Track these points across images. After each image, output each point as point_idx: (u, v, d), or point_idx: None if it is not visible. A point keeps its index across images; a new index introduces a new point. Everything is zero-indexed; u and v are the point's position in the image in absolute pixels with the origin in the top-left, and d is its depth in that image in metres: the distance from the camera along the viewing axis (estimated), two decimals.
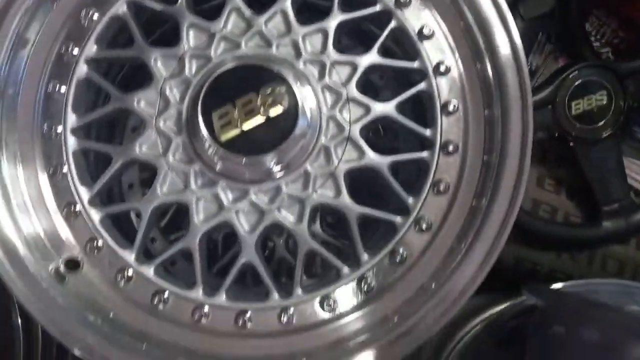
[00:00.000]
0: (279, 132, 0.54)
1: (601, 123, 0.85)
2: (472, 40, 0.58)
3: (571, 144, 0.85)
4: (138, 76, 0.62)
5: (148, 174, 0.76)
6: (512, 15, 0.88)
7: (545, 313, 0.64)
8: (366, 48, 0.59)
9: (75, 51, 0.59)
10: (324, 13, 0.59)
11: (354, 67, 0.58)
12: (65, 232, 0.57)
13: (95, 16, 0.60)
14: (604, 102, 0.85)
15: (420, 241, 0.57)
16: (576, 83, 0.84)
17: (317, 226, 0.78)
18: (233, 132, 0.54)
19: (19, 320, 0.72)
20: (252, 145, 0.54)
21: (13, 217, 0.55)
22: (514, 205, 0.55)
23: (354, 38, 0.77)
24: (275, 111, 0.54)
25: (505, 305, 0.82)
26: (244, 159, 0.54)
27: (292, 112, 0.54)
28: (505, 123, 0.56)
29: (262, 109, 0.54)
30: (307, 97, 0.56)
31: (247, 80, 0.55)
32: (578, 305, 0.56)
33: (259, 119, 0.54)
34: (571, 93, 0.85)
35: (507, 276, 0.85)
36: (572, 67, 0.85)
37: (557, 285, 0.77)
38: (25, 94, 0.58)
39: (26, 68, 0.58)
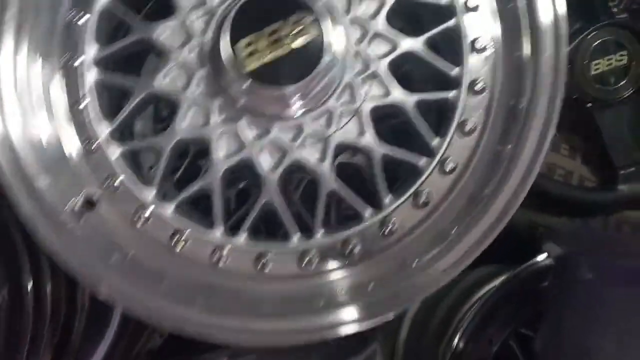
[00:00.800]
0: (304, 65, 0.53)
1: (620, 84, 0.83)
2: None
3: (589, 105, 0.84)
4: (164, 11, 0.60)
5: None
6: None
7: (568, 262, 0.63)
8: None
9: None
10: None
11: (382, 1, 0.56)
12: (83, 168, 0.55)
13: None
14: (624, 62, 0.84)
15: (444, 183, 0.56)
16: (596, 43, 0.83)
17: None
18: (258, 62, 0.52)
19: (30, 283, 0.71)
20: (276, 76, 0.52)
21: (33, 150, 0.53)
22: (539, 153, 0.54)
23: None
24: (301, 42, 0.52)
25: (520, 268, 0.81)
26: (268, 90, 0.53)
27: (318, 44, 0.53)
28: (537, 65, 0.55)
29: (288, 39, 0.52)
30: (333, 30, 0.54)
31: (273, 9, 0.53)
32: (604, 243, 0.55)
33: (284, 49, 0.52)
34: (590, 53, 0.83)
35: (522, 241, 0.85)
36: (592, 26, 0.84)
37: None
38: (46, 24, 0.56)
39: None
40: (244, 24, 0.52)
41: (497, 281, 0.83)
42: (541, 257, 0.79)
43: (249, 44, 0.52)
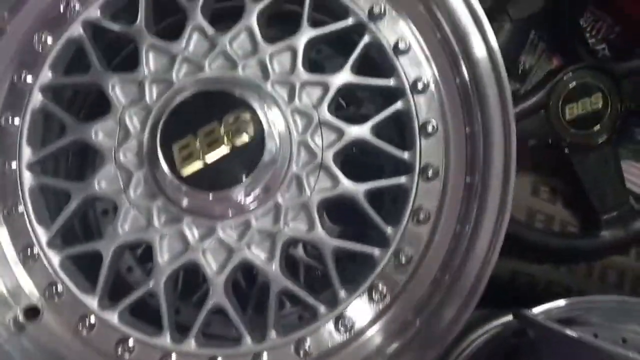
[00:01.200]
0: (245, 163, 0.51)
1: (597, 128, 0.80)
2: (450, 53, 0.54)
3: (566, 150, 0.81)
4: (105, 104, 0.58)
5: None
6: (501, 16, 0.84)
7: (536, 345, 0.60)
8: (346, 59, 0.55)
9: (29, 79, 0.56)
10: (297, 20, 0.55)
11: (326, 88, 0.54)
12: (23, 277, 0.53)
13: (50, 40, 0.56)
14: (600, 105, 0.81)
15: (401, 274, 0.53)
16: (570, 86, 0.80)
17: (299, 250, 0.74)
18: (196, 165, 0.50)
19: None
20: (217, 178, 0.50)
21: None
22: (499, 229, 0.52)
23: (334, 46, 0.73)
24: (241, 140, 0.50)
25: (506, 321, 0.78)
26: (208, 195, 0.51)
27: (259, 140, 0.51)
28: (487, 139, 0.53)
29: (226, 139, 0.50)
30: (275, 123, 0.52)
31: (209, 107, 0.51)
32: (568, 347, 0.52)
33: (223, 150, 0.50)
34: (565, 97, 0.80)
35: (503, 290, 0.82)
36: (564, 69, 0.81)
37: (557, 303, 0.73)
38: None
39: None
40: (179, 125, 0.51)
41: (482, 330, 0.81)
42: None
43: (184, 147, 0.50)
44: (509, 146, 0.52)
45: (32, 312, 0.52)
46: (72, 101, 0.59)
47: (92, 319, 0.52)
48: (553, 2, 0.87)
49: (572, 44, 0.88)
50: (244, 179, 0.50)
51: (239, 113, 0.50)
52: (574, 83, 0.80)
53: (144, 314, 0.55)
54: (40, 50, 0.56)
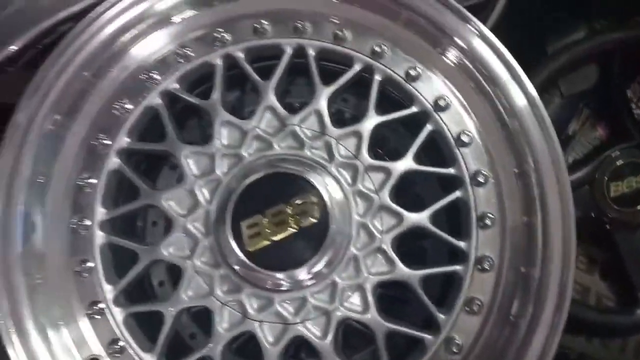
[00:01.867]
0: (309, 242, 0.53)
1: None
2: (513, 149, 0.56)
3: (608, 226, 0.82)
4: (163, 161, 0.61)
5: None
6: (552, 91, 0.86)
7: None
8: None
9: (107, 142, 0.58)
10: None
11: (388, 174, 0.56)
12: (88, 330, 0.56)
13: (129, 106, 0.59)
14: None
15: None
16: (616, 163, 0.81)
17: None
18: (262, 243, 0.53)
19: None
20: (280, 255, 0.53)
21: (34, 315, 0.54)
22: (558, 324, 0.53)
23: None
24: (307, 222, 0.53)
25: None
26: (271, 272, 0.53)
27: (324, 223, 0.53)
28: (546, 230, 0.54)
29: (292, 221, 0.53)
30: (338, 204, 0.54)
31: (278, 189, 0.54)
32: None
33: (289, 231, 0.53)
34: (610, 174, 0.81)
35: None
36: (611, 146, 0.82)
37: None
38: (56, 186, 0.57)
39: (57, 160, 0.58)
40: (248, 205, 0.53)
41: None
42: None
43: (252, 225, 0.53)
44: (569, 239, 0.54)
45: None
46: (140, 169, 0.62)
47: None
48: (604, 76, 0.88)
49: (619, 115, 0.89)
50: (306, 260, 0.53)
51: (306, 197, 0.53)
52: (620, 161, 0.82)
53: None
54: (120, 115, 0.59)
